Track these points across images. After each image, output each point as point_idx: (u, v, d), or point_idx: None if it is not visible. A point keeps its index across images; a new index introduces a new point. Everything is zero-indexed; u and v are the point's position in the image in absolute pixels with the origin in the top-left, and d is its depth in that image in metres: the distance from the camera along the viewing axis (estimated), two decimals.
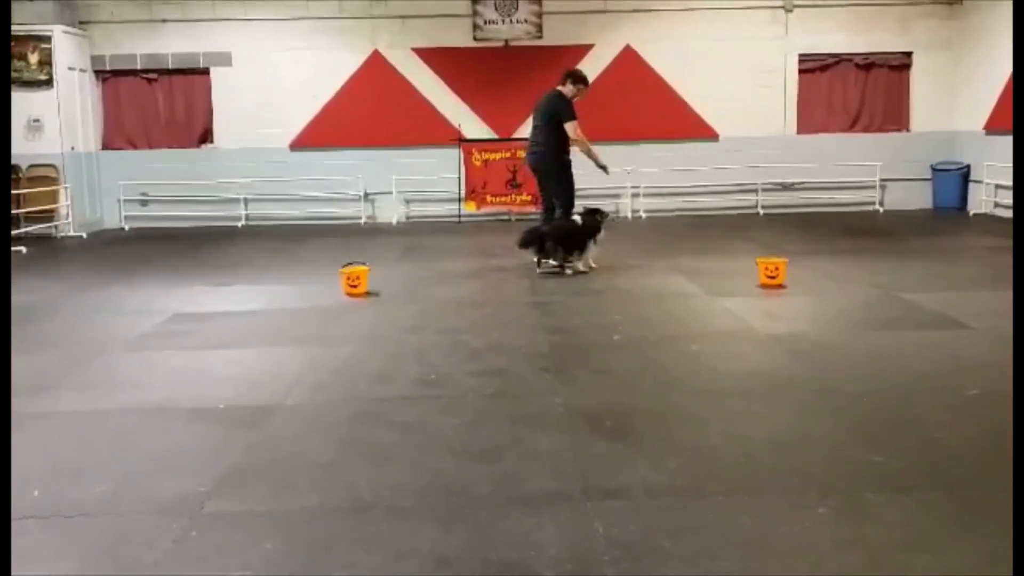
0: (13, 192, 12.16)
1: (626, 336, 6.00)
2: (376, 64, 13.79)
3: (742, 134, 13.92)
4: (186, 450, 4.01)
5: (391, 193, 13.81)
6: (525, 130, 13.71)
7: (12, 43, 12.65)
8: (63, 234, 12.91)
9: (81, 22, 13.57)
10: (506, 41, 13.84)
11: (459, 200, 13.65)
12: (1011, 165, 11.57)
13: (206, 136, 14.17)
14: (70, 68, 13.15)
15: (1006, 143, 11.83)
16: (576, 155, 9.05)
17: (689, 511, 3.24)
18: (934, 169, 13.99)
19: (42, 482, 3.63)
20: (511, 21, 13.78)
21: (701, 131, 13.95)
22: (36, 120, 12.90)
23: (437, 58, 13.80)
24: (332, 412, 4.52)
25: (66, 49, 13.04)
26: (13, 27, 12.54)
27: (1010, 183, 11.87)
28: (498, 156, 13.39)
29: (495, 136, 13.78)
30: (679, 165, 13.83)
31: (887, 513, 3.19)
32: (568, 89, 8.93)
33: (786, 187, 14.08)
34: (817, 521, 3.15)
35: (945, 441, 3.93)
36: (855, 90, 14.22)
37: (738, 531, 3.08)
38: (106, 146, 14.10)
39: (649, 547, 2.97)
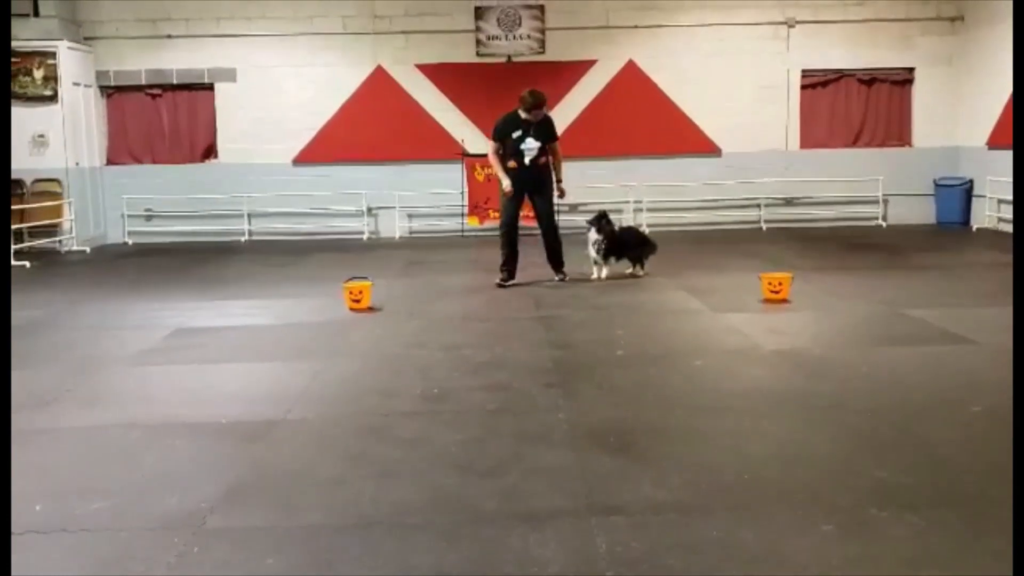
0: (17, 207, 12.19)
1: (629, 351, 5.99)
2: (379, 80, 13.84)
3: (744, 149, 13.94)
4: (188, 465, 3.99)
5: (394, 208, 13.82)
6: None
7: (17, 59, 12.72)
8: (67, 249, 12.93)
9: (86, 38, 13.64)
10: (509, 57, 13.89)
11: (462, 215, 13.66)
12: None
13: (210, 151, 14.21)
14: (75, 83, 13.21)
15: (1009, 158, 11.84)
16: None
17: (693, 528, 3.23)
18: (937, 184, 14.00)
19: (44, 497, 3.62)
20: (514, 37, 13.83)
21: (703, 146, 13.98)
22: (41, 135, 12.95)
23: (440, 74, 13.84)
24: (335, 427, 4.51)
25: (71, 64, 13.10)
26: (18, 43, 12.62)
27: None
28: None
29: None
30: (681, 180, 13.84)
31: (893, 529, 3.18)
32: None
33: (788, 202, 14.09)
34: (823, 538, 3.13)
35: (951, 457, 3.91)
36: (857, 105, 14.25)
37: (743, 548, 3.07)
38: (110, 161, 14.14)
39: (653, 564, 2.96)
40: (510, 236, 8.82)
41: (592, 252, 8.95)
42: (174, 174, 13.99)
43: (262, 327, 7.16)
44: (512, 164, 8.56)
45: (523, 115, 8.52)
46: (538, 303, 7.92)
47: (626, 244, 9.13)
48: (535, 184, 8.69)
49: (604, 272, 8.95)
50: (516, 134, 8.51)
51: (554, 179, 8.77)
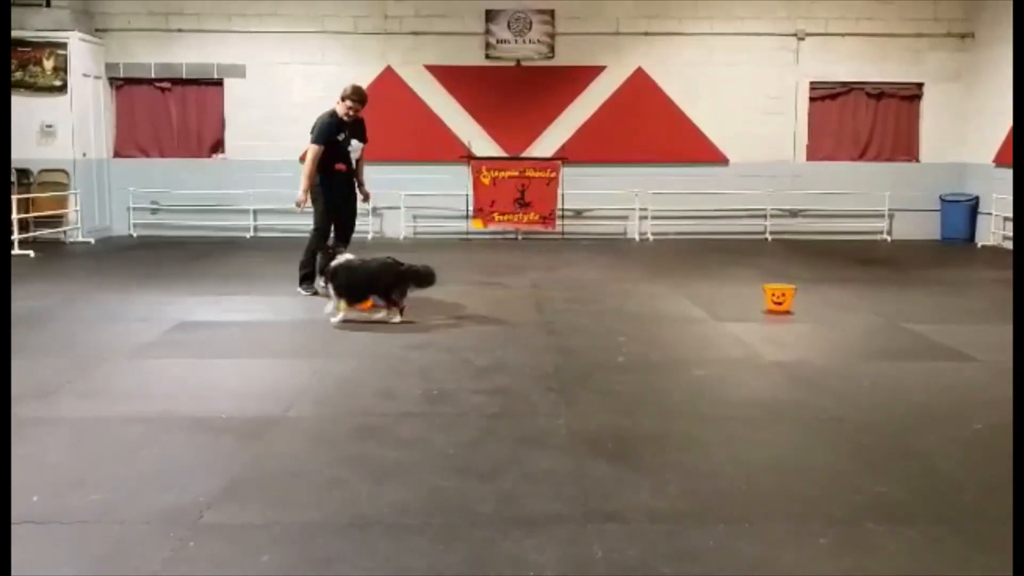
0: (24, 196, 12.21)
1: (630, 358, 5.98)
2: (388, 80, 13.84)
3: (751, 159, 13.94)
4: (186, 460, 4.00)
5: (399, 208, 13.83)
6: (535, 149, 13.89)
7: (28, 48, 12.76)
8: (72, 239, 12.94)
9: (97, 30, 13.67)
10: (518, 60, 13.90)
11: (467, 217, 13.67)
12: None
13: (217, 146, 14.22)
14: (85, 75, 13.23)
15: None
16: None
17: (690, 537, 3.22)
18: (943, 200, 13.98)
19: (42, 488, 3.63)
20: (523, 41, 13.84)
21: (710, 155, 13.97)
22: (49, 125, 12.97)
23: (449, 76, 13.85)
24: (334, 426, 4.51)
25: (81, 56, 13.12)
26: (29, 33, 12.66)
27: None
28: (507, 174, 13.43)
29: (504, 154, 13.82)
30: (688, 189, 13.84)
31: (889, 544, 3.17)
32: (339, 107, 8.15)
33: (794, 214, 14.09)
34: (818, 550, 3.13)
35: (950, 474, 3.90)
36: (865, 119, 14.24)
37: (738, 558, 3.06)
38: (118, 153, 14.16)
39: (648, 572, 2.96)
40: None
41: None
42: (181, 168, 14.00)
43: (264, 323, 7.17)
44: (340, 167, 8.20)
45: (341, 114, 8.11)
46: (540, 307, 7.92)
47: (370, 283, 7.14)
48: (353, 187, 8.45)
49: (338, 314, 7.08)
50: (341, 136, 8.15)
51: (359, 184, 8.52)
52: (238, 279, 9.60)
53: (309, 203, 8.29)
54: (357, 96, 8.14)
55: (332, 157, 8.16)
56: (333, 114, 8.19)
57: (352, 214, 8.54)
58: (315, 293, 8.29)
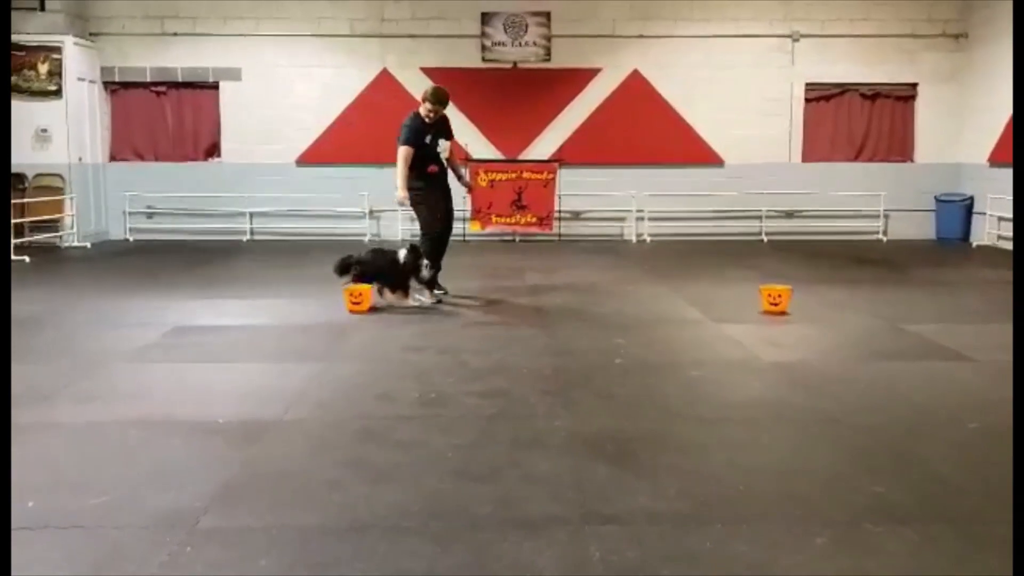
0: (19, 201, 12.19)
1: (628, 360, 5.98)
2: (384, 82, 13.85)
3: (747, 161, 13.96)
4: (184, 464, 3.99)
5: (397, 210, 13.81)
6: (532, 151, 13.90)
7: (22, 53, 12.74)
8: (67, 244, 12.92)
9: (92, 33, 13.66)
10: (514, 63, 13.91)
11: (464, 220, 13.65)
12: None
13: (213, 150, 14.22)
14: (79, 79, 13.22)
15: (1010, 175, 11.86)
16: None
17: (688, 538, 3.22)
18: (938, 200, 14.02)
19: (38, 492, 3.62)
20: (520, 43, 13.86)
21: (707, 157, 13.99)
22: (44, 130, 12.96)
23: (445, 78, 13.72)
24: (332, 429, 4.51)
25: (76, 60, 13.11)
26: (24, 37, 12.65)
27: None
28: (504, 177, 13.42)
29: (501, 157, 13.83)
30: (684, 190, 13.85)
31: (887, 545, 3.17)
32: (421, 108, 8.22)
33: (790, 215, 14.12)
34: (817, 551, 3.13)
35: (947, 474, 3.91)
36: (860, 120, 14.27)
37: (737, 560, 3.06)
38: (113, 157, 14.15)
39: (647, 573, 2.96)
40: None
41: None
42: (177, 172, 13.99)
43: (262, 327, 7.16)
44: (433, 168, 8.23)
45: (424, 116, 8.16)
46: (538, 309, 7.92)
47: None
48: (446, 188, 8.44)
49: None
50: (428, 138, 8.21)
51: (459, 177, 8.66)
52: (235, 283, 9.60)
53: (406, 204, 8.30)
54: (436, 98, 8.18)
55: (423, 160, 8.18)
56: (416, 116, 8.22)
57: (450, 213, 8.54)
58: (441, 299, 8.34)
